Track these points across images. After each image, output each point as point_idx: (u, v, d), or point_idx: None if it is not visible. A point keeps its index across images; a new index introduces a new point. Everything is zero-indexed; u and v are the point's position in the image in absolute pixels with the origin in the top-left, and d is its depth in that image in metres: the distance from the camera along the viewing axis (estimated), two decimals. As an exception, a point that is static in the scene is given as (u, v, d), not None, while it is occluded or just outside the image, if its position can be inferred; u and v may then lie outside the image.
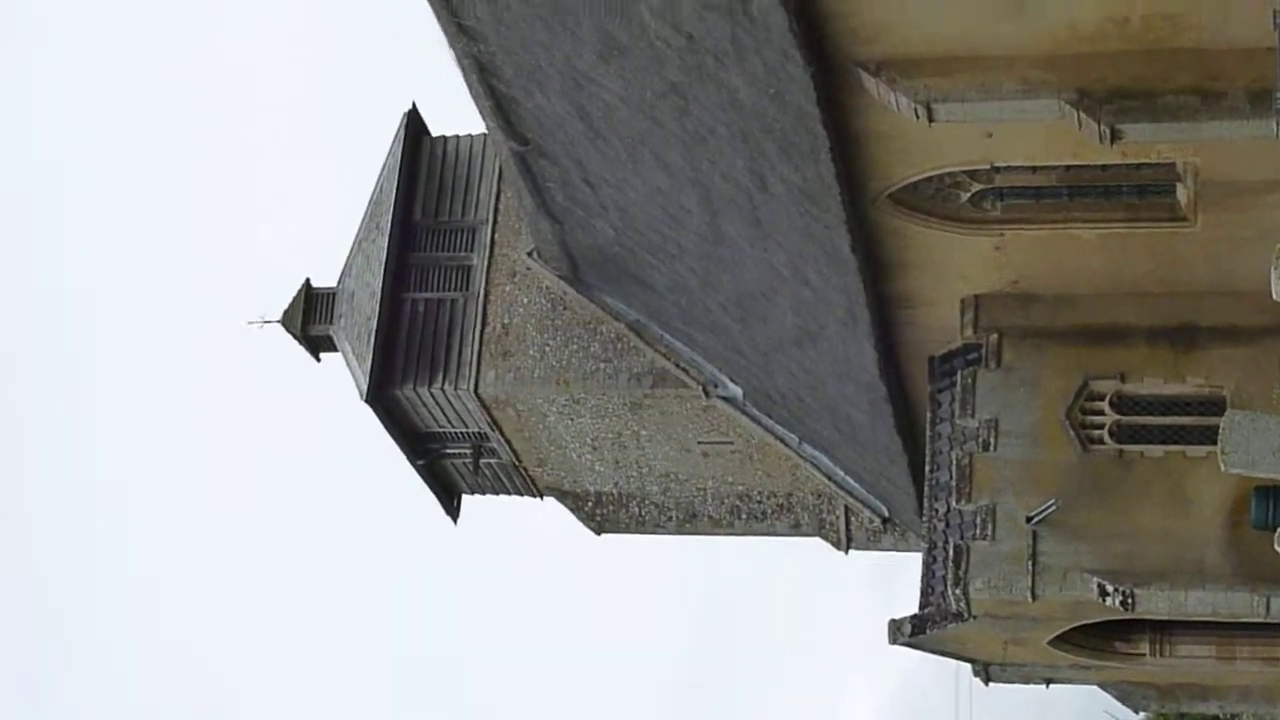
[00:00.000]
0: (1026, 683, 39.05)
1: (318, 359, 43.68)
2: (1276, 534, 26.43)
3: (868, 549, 43.26)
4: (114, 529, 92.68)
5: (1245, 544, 30.47)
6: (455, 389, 40.26)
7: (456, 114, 43.81)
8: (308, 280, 43.51)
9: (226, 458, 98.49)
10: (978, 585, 31.71)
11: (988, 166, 31.12)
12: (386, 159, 42.57)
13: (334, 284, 43.29)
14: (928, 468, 33.89)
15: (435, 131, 42.81)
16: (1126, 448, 32.06)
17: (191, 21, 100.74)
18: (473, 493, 45.14)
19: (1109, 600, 30.94)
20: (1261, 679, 37.93)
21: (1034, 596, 31.37)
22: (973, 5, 26.71)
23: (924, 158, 30.77)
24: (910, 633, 33.30)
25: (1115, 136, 28.09)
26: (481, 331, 40.34)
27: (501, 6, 30.11)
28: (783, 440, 39.83)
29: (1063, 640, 34.61)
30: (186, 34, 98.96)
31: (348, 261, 43.12)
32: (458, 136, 42.58)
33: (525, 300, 40.41)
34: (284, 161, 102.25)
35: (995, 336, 33.13)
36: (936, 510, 33.14)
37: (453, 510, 45.22)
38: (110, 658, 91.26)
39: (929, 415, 34.13)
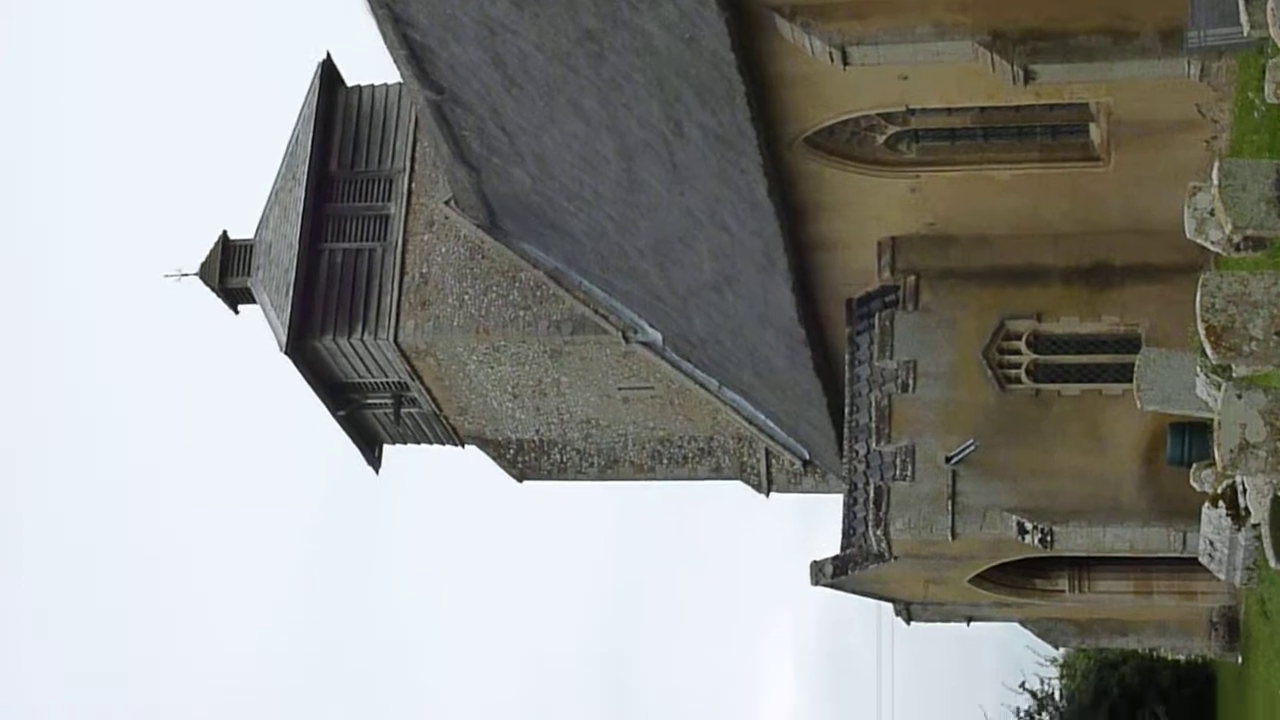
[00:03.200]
0: (948, 621, 39.42)
1: (236, 311, 43.45)
2: (1192, 469, 26.64)
3: (789, 491, 43.39)
4: (36, 480, 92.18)
5: (1161, 480, 30.79)
6: (375, 339, 40.13)
7: (371, 64, 43.72)
8: (224, 233, 43.24)
9: (148, 412, 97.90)
10: (898, 526, 31.94)
11: (903, 109, 31.26)
12: (301, 110, 42.32)
13: (251, 236, 43.06)
14: (847, 410, 34.06)
15: (350, 82, 42.57)
16: (1043, 387, 32.32)
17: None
18: (394, 442, 45.06)
19: (1028, 538, 31.21)
20: (1178, 613, 38.39)
21: (954, 536, 31.63)
22: (886, -52, 26.82)
23: (839, 101, 30.85)
24: (832, 574, 33.52)
25: (1029, 77, 28.26)
26: (400, 281, 40.21)
27: (415, -46, 30.01)
28: (703, 385, 39.90)
29: (983, 578, 34.94)
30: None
31: (264, 213, 42.89)
32: (373, 86, 42.34)
33: (443, 249, 40.28)
34: (199, 113, 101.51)
35: (912, 278, 33.29)
36: (856, 452, 33.33)
37: (374, 460, 45.14)
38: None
39: (847, 357, 34.28)
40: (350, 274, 40.63)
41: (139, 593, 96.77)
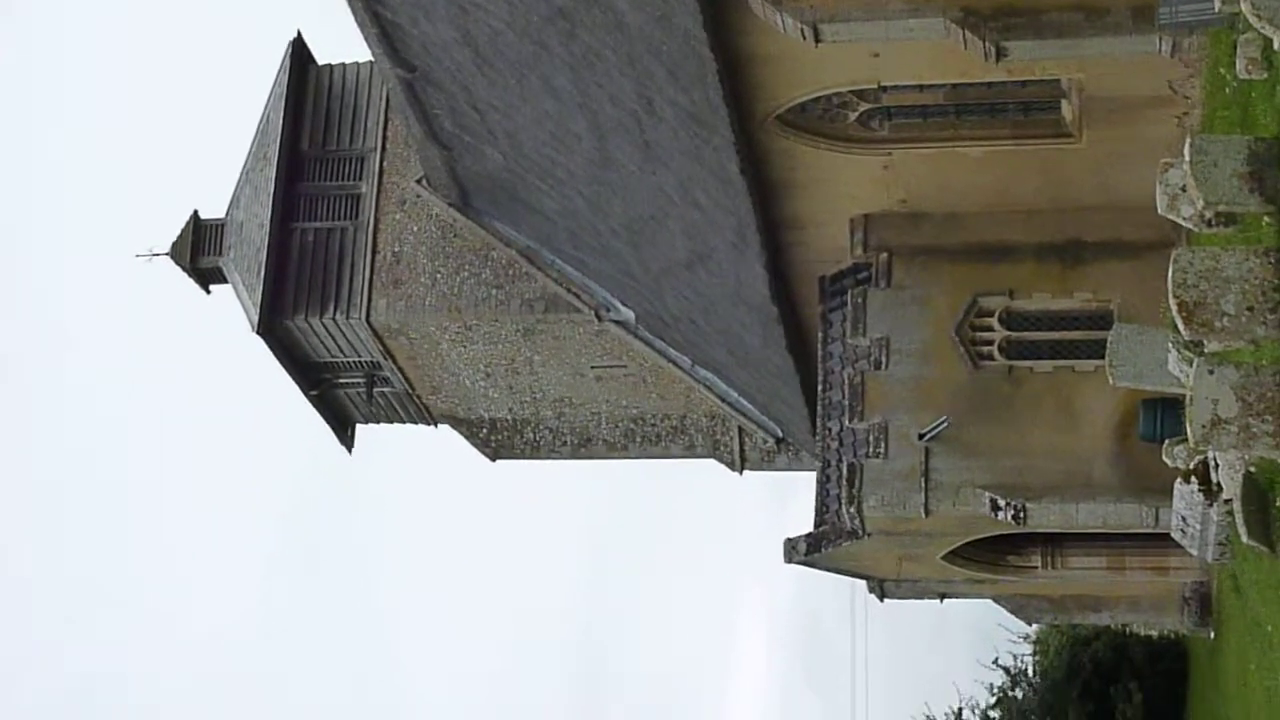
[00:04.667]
0: (921, 598, 39.53)
1: (208, 291, 43.32)
2: (1164, 445, 26.70)
3: (762, 469, 43.44)
4: (9, 462, 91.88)
5: (1133, 456, 30.87)
6: (347, 318, 40.06)
7: (342, 42, 43.46)
8: (195, 212, 43.10)
9: (119, 393, 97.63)
10: (871, 503, 31.97)
11: (875, 86, 31.25)
12: (272, 88, 42.17)
13: (222, 215, 42.93)
14: (820, 387, 34.07)
15: (321, 60, 42.43)
16: (1016, 364, 32.36)
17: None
18: (367, 422, 45.00)
19: (1001, 514, 31.27)
20: (1151, 589, 38.56)
21: (927, 512, 31.67)
22: (857, -75, 26.79)
23: (811, 78, 30.84)
24: (806, 551, 33.54)
25: (1000, 54, 28.25)
26: (372, 260, 40.12)
27: (385, -68, 29.92)
28: (675, 363, 39.89)
29: (956, 555, 35.02)
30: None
31: (235, 192, 42.76)
32: (344, 65, 42.20)
33: (415, 228, 40.19)
34: (170, 93, 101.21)
35: (885, 255, 33.30)
36: (829, 429, 33.34)
37: (347, 440, 45.07)
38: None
39: (820, 335, 34.28)
40: (322, 253, 40.53)
41: (108, 574, 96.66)
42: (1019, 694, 52.00)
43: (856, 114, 32.08)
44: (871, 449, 32.14)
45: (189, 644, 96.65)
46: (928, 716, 54.06)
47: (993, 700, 52.65)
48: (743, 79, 30.33)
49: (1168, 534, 27.81)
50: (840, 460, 32.65)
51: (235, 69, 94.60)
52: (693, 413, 42.20)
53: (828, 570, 35.61)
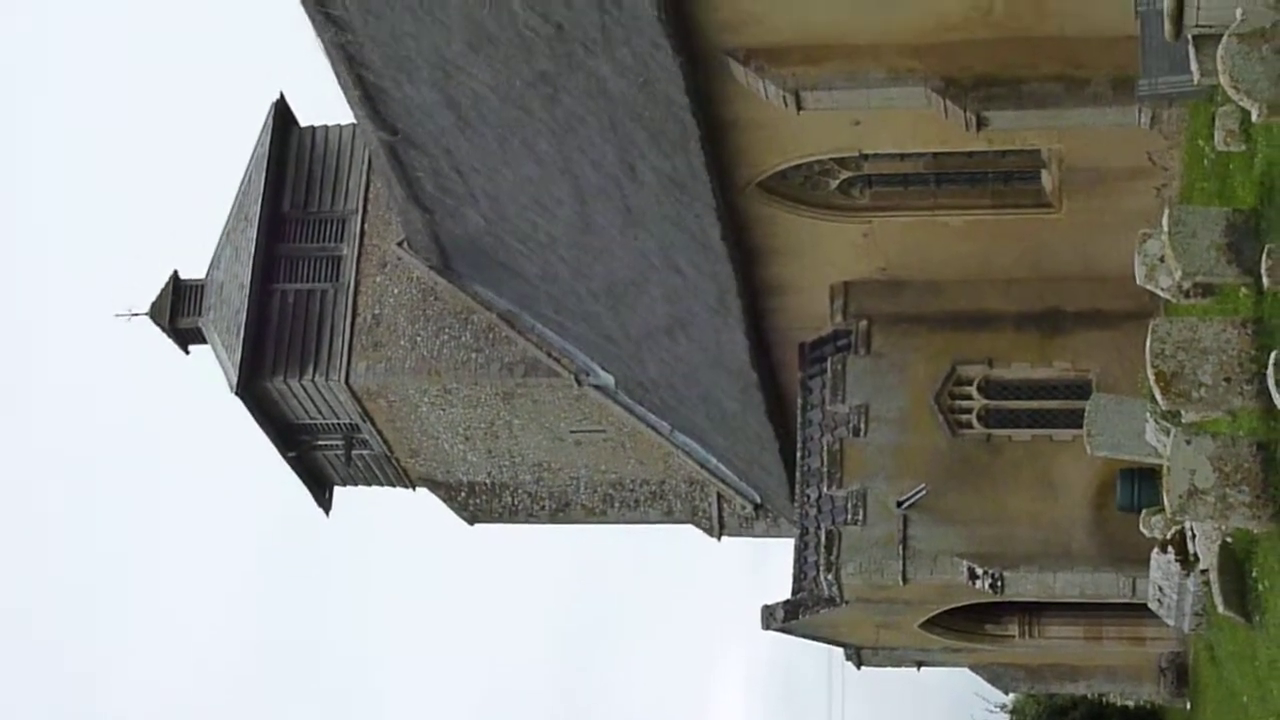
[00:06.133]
0: (898, 666, 39.38)
1: (186, 351, 43.29)
2: (1142, 515, 26.73)
3: (740, 535, 43.41)
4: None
5: (1111, 526, 30.88)
6: (326, 380, 40.03)
7: (325, 104, 43.59)
8: (175, 272, 43.10)
9: (96, 451, 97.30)
10: (849, 570, 31.93)
11: (856, 154, 31.37)
12: (254, 149, 42.24)
13: (202, 276, 42.92)
14: (799, 454, 34.08)
15: (304, 122, 42.53)
16: (995, 432, 32.40)
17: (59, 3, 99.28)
18: (345, 484, 44.89)
19: (979, 583, 31.24)
20: (1128, 659, 38.46)
21: (905, 580, 31.63)
22: (840, -6, 26.95)
23: (793, 145, 30.94)
24: (783, 618, 33.48)
25: (981, 124, 28.38)
26: (352, 322, 40.13)
27: (369, -5, 30.01)
28: (655, 428, 39.89)
29: (934, 623, 34.94)
30: (51, 14, 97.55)
31: (216, 253, 42.76)
32: (326, 127, 42.30)
33: (396, 290, 40.23)
34: (151, 152, 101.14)
35: (865, 323, 33.37)
36: (808, 496, 33.34)
37: (325, 502, 44.98)
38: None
39: (800, 402, 34.32)
40: (302, 315, 40.53)
41: (85, 637, 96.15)
42: (996, 763, 51.86)
43: (838, 181, 32.19)
44: (850, 516, 32.11)
45: (160, 709, 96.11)
46: (905, 785, 53.94)
47: (971, 769, 52.52)
48: (725, 145, 30.42)
49: (1145, 604, 27.82)
50: (819, 527, 32.62)
51: (217, 129, 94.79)
52: (671, 478, 42.18)
53: (805, 637, 35.53)
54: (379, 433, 41.84)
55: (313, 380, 40.12)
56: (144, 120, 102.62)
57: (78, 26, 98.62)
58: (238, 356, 40.18)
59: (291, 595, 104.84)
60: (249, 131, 42.57)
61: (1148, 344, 19.64)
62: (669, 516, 43.11)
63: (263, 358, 40.44)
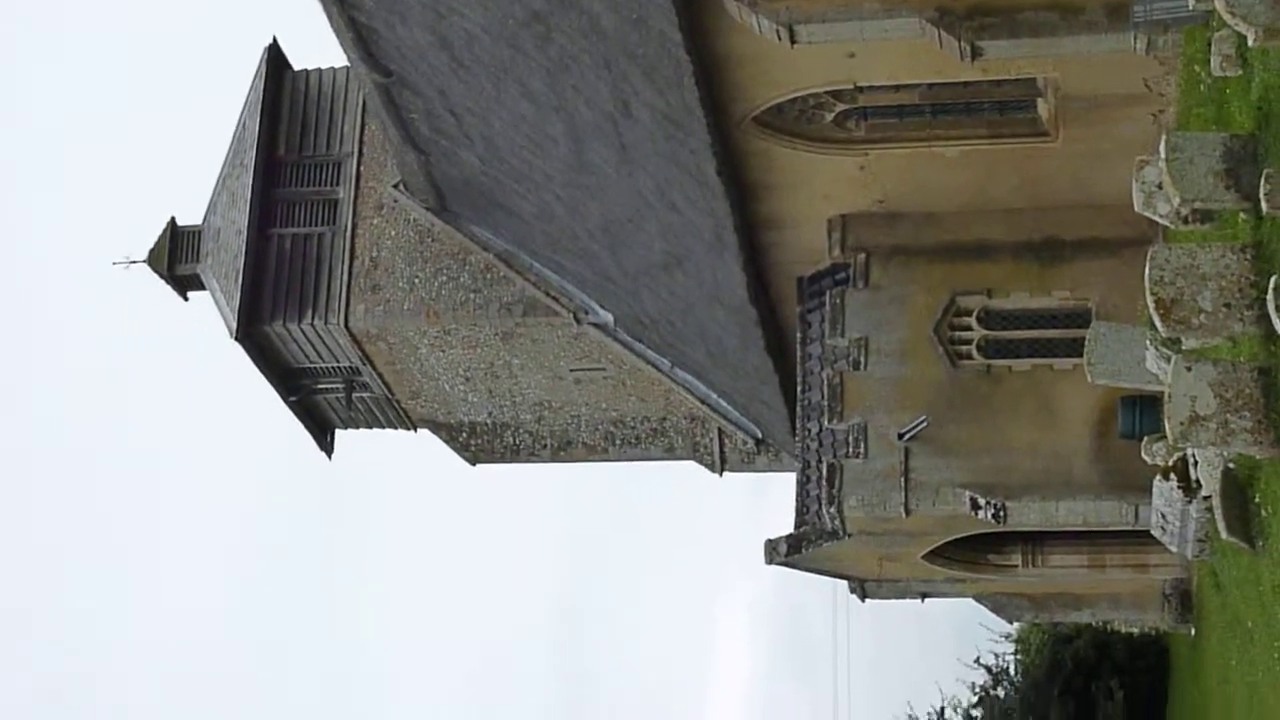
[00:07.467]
0: (902, 598, 39.51)
1: (185, 298, 43.24)
2: (1143, 442, 26.73)
3: (742, 471, 43.43)
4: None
5: (1113, 453, 30.90)
6: (325, 324, 39.98)
7: (318, 47, 43.43)
8: (173, 219, 43.02)
9: (98, 400, 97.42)
10: (852, 503, 31.97)
11: (851, 86, 31.26)
12: (249, 95, 42.11)
13: (199, 222, 42.85)
14: (799, 388, 34.09)
15: (297, 66, 42.38)
16: (994, 362, 32.38)
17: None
18: (346, 427, 44.92)
19: (981, 513, 31.28)
20: (1131, 586, 38.58)
21: (907, 512, 31.68)
22: (832, -75, 26.81)
23: (787, 79, 30.85)
24: (786, 552, 33.54)
25: (976, 53, 28.29)
26: (350, 265, 40.06)
27: (359, -63, 29.88)
28: (654, 365, 39.87)
29: (937, 554, 35.03)
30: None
31: (212, 199, 42.68)
32: (320, 70, 42.15)
33: (393, 233, 40.16)
34: (146, 99, 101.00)
35: (863, 256, 33.30)
36: (809, 430, 33.35)
37: (327, 445, 44.99)
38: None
39: (799, 336, 34.30)
40: (300, 259, 40.47)
41: (89, 577, 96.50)
42: (1001, 693, 52.01)
43: (833, 115, 32.10)
44: (851, 449, 32.13)
45: (166, 646, 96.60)
46: (910, 716, 54.17)
47: (975, 699, 52.69)
48: (719, 81, 30.33)
49: (1148, 531, 27.86)
50: (820, 461, 32.65)
51: (211, 75, 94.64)
52: (672, 415, 42.18)
53: (809, 571, 35.62)
54: (379, 375, 41.83)
55: (312, 324, 40.08)
56: (138, 68, 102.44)
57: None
58: (236, 302, 40.14)
59: (294, 540, 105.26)
60: (243, 76, 42.47)
61: (1147, 271, 19.59)
62: (670, 453, 43.14)
63: (261, 303, 40.40)
